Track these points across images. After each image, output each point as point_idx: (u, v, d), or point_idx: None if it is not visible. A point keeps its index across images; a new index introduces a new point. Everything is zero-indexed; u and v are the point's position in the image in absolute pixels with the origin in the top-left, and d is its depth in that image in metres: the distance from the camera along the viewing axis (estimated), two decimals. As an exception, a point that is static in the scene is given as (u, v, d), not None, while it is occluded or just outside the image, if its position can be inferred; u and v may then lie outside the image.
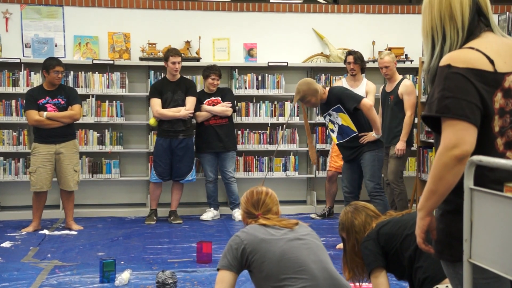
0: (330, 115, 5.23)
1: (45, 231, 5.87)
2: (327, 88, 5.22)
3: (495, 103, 1.87)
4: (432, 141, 5.83)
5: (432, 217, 1.95)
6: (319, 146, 7.03)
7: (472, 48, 1.91)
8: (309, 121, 7.15)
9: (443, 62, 1.91)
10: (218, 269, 2.79)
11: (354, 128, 5.15)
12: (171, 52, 6.35)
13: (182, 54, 6.55)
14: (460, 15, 1.96)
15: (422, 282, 2.94)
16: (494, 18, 2.01)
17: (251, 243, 2.73)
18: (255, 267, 2.71)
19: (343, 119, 5.16)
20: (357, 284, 3.16)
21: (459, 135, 1.83)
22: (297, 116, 7.03)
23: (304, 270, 2.68)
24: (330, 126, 5.32)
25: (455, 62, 1.87)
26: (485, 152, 1.84)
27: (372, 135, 5.14)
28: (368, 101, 5.16)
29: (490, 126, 1.87)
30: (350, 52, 6.49)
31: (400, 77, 6.12)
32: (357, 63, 6.39)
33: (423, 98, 6.10)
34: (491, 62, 1.87)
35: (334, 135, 5.33)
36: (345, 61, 6.53)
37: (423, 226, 1.96)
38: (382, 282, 3.02)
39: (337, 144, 5.38)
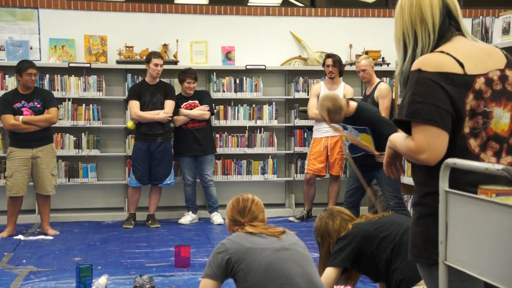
0: (346, 128, 4.92)
1: (20, 236, 5.78)
2: (352, 104, 4.81)
3: (466, 104, 1.90)
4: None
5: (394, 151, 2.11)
6: (297, 149, 7.05)
7: (443, 52, 1.94)
8: (287, 124, 7.18)
9: (414, 66, 1.94)
10: (202, 277, 2.77)
11: (373, 150, 4.83)
12: (153, 54, 6.33)
13: (162, 58, 6.52)
14: (430, 18, 1.99)
15: (398, 284, 2.96)
16: (464, 22, 2.05)
17: (237, 252, 2.70)
18: (240, 277, 2.69)
19: (364, 138, 4.88)
20: None
21: (429, 141, 1.87)
22: (275, 119, 7.03)
23: (289, 283, 2.66)
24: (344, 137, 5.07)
25: (426, 67, 1.90)
26: (460, 154, 1.86)
27: None
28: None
29: (462, 127, 1.91)
30: (329, 55, 6.52)
31: (378, 80, 6.17)
32: (336, 66, 6.43)
33: (400, 101, 6.15)
34: (461, 65, 1.90)
35: (346, 146, 5.12)
36: (323, 64, 6.56)
37: (389, 153, 2.13)
38: (332, 279, 3.08)
39: (351, 156, 5.13)
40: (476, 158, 1.91)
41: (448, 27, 2.00)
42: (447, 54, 1.93)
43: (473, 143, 1.92)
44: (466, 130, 1.91)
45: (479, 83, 1.91)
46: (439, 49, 1.96)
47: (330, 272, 3.10)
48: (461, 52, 1.94)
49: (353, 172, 5.19)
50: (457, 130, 1.90)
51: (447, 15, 2.00)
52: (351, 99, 5.02)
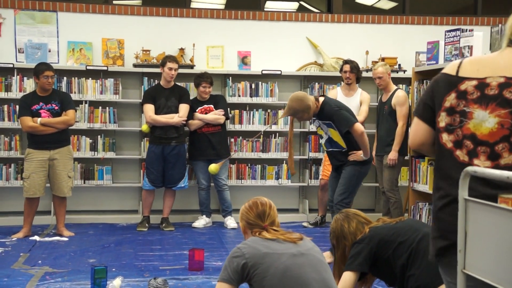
0: (318, 123, 5.16)
1: (36, 237, 5.83)
2: (320, 99, 4.99)
3: (445, 101, 2.05)
4: (425, 151, 5.85)
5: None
6: (312, 154, 7.05)
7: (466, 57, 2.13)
8: (302, 130, 7.18)
9: None
10: (218, 281, 2.76)
11: (343, 145, 5.04)
12: (169, 58, 6.36)
13: (178, 62, 6.56)
14: (509, 29, 2.06)
15: None
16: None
17: (253, 257, 2.68)
18: (256, 281, 2.67)
19: (333, 134, 5.06)
20: None
21: (412, 128, 2.22)
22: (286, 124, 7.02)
23: None
24: (320, 132, 5.23)
25: (445, 69, 2.12)
26: (437, 146, 2.08)
27: (360, 156, 5.03)
28: (360, 127, 4.96)
29: (438, 121, 2.08)
30: (346, 61, 6.51)
31: (395, 87, 6.15)
32: (353, 72, 6.42)
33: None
34: (458, 67, 2.06)
35: (322, 141, 5.26)
36: (341, 70, 6.55)
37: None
38: (351, 283, 3.07)
39: (326, 151, 5.34)
40: (449, 152, 2.02)
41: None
42: (466, 58, 2.11)
43: (445, 137, 2.03)
44: (442, 124, 2.05)
45: (468, 85, 2.01)
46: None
47: (348, 277, 3.08)
48: (482, 59, 2.05)
49: (330, 175, 5.35)
50: (435, 123, 2.09)
51: None
52: (322, 95, 5.16)
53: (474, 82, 1.99)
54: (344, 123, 4.94)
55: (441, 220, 1.99)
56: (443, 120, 2.05)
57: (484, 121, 1.95)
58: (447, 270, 2.00)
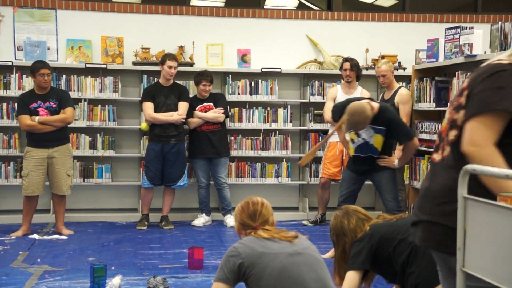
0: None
1: (35, 236, 5.82)
2: (375, 105, 4.76)
3: None
4: (424, 149, 5.84)
5: None
6: (312, 152, 7.02)
7: None
8: (302, 128, 7.17)
9: None
10: (214, 281, 2.76)
11: (379, 149, 4.95)
12: (168, 56, 6.34)
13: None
14: None
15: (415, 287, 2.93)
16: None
17: (249, 257, 2.67)
18: (252, 281, 2.66)
19: (376, 140, 4.90)
20: None
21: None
22: (290, 123, 7.02)
23: None
24: (353, 137, 4.99)
25: None
26: None
27: (393, 163, 4.99)
28: (417, 141, 5.00)
29: None
30: (346, 59, 6.49)
31: (398, 85, 6.14)
32: (353, 70, 6.40)
33: (416, 106, 6.11)
34: None
35: (352, 146, 5.03)
36: (341, 68, 6.53)
37: None
38: (355, 282, 3.06)
39: (353, 155, 5.10)
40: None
41: None
42: None
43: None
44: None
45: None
46: None
47: (352, 276, 3.06)
48: None
49: (345, 177, 5.22)
50: None
51: None
52: (370, 98, 5.02)
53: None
54: (406, 134, 4.86)
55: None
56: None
57: (446, 118, 2.14)
58: (438, 262, 2.10)
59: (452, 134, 2.06)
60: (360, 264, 3.06)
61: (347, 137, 5.06)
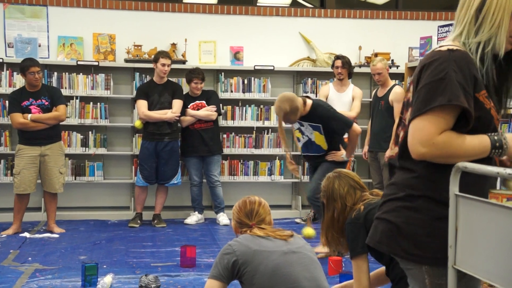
0: (302, 125, 4.99)
1: (26, 234, 5.78)
2: (308, 102, 4.87)
3: None
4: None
5: None
6: (305, 150, 7.01)
7: None
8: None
9: None
10: (208, 278, 2.75)
11: (325, 147, 4.98)
12: (161, 54, 6.31)
13: (169, 57, 6.51)
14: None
15: (399, 280, 2.91)
16: None
17: (244, 255, 2.68)
18: (246, 279, 2.66)
19: (316, 136, 4.97)
20: (333, 250, 3.18)
21: None
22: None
23: (296, 287, 2.64)
24: (297, 135, 5.10)
25: None
26: None
27: (341, 156, 4.98)
28: (358, 127, 4.95)
29: None
30: (338, 57, 6.48)
31: (392, 83, 6.13)
32: (345, 67, 6.39)
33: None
34: None
35: (299, 144, 5.16)
36: (332, 66, 6.52)
37: None
38: (363, 269, 3.02)
39: (302, 155, 5.23)
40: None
41: None
42: None
43: None
44: None
45: None
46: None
47: (361, 263, 3.01)
48: None
49: (311, 173, 5.19)
50: None
51: None
52: (307, 96, 5.04)
53: None
54: (343, 123, 4.89)
55: None
56: None
57: None
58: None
59: (400, 134, 1.98)
60: (361, 249, 3.01)
61: (295, 135, 5.16)
